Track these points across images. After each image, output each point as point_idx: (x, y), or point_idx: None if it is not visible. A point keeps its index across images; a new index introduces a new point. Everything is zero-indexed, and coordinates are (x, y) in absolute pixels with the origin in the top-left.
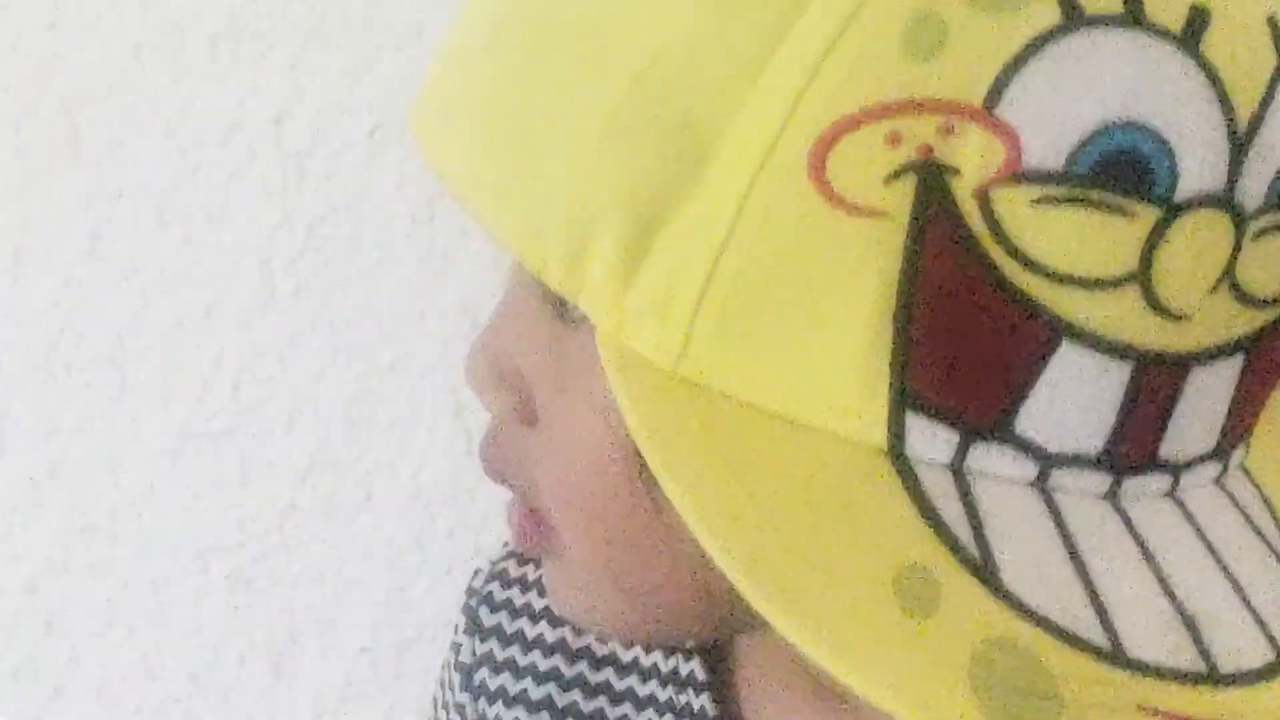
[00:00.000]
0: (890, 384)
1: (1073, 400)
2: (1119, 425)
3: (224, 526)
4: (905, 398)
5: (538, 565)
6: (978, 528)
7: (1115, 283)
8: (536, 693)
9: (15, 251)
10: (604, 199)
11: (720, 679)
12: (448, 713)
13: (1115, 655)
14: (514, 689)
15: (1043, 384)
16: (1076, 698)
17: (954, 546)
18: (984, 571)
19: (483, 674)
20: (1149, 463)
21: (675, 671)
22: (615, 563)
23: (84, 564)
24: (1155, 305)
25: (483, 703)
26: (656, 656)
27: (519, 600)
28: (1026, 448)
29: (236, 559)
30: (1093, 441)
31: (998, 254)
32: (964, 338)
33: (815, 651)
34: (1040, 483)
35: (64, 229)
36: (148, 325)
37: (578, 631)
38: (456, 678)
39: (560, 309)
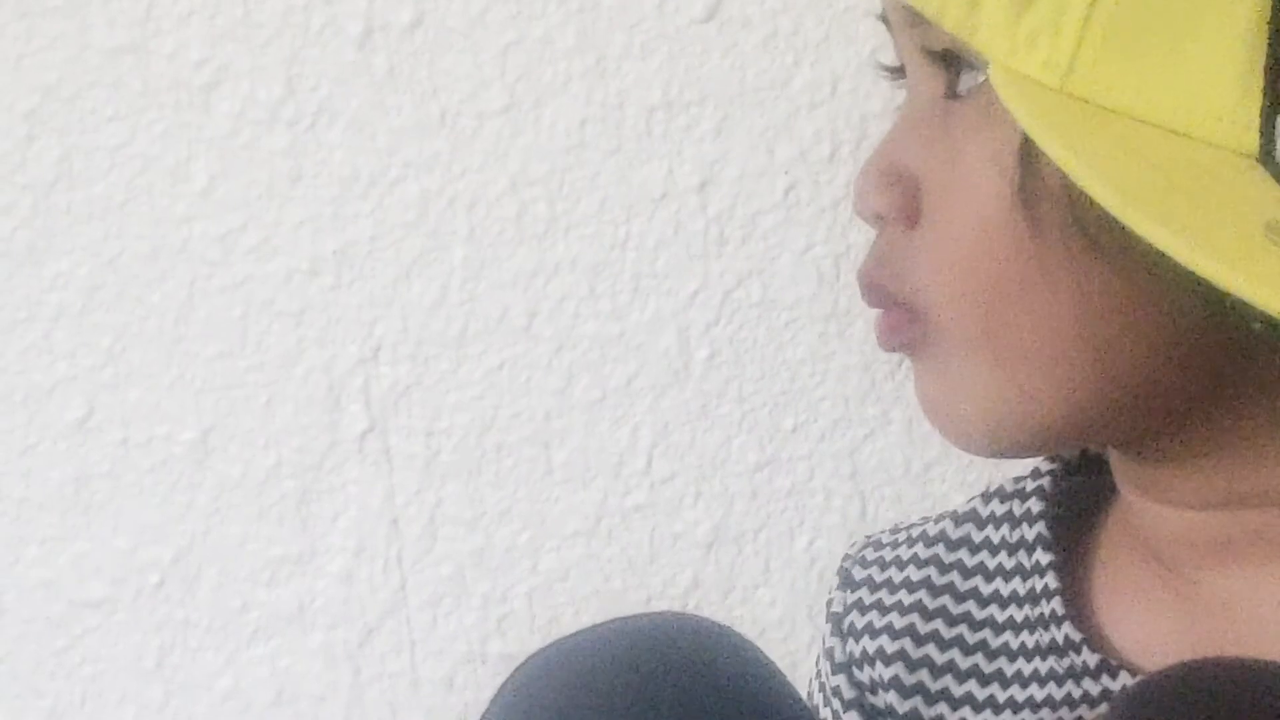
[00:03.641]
0: (1264, 89)
1: None
2: None
3: (631, 607)
4: (1278, 102)
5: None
6: None
7: None
8: (900, 622)
9: (462, 330)
10: None
11: (1071, 586)
12: (820, 678)
13: None
14: (879, 623)
15: None
16: None
17: None
18: None
19: (851, 617)
20: None
21: (1031, 590)
22: (995, 329)
23: (499, 654)
24: None
25: (850, 642)
26: (1015, 583)
27: (889, 556)
28: None
29: None
30: None
31: None
32: None
33: (1188, 256)
34: None
35: (505, 307)
36: (572, 402)
37: (943, 570)
38: (828, 627)
39: (950, 80)
